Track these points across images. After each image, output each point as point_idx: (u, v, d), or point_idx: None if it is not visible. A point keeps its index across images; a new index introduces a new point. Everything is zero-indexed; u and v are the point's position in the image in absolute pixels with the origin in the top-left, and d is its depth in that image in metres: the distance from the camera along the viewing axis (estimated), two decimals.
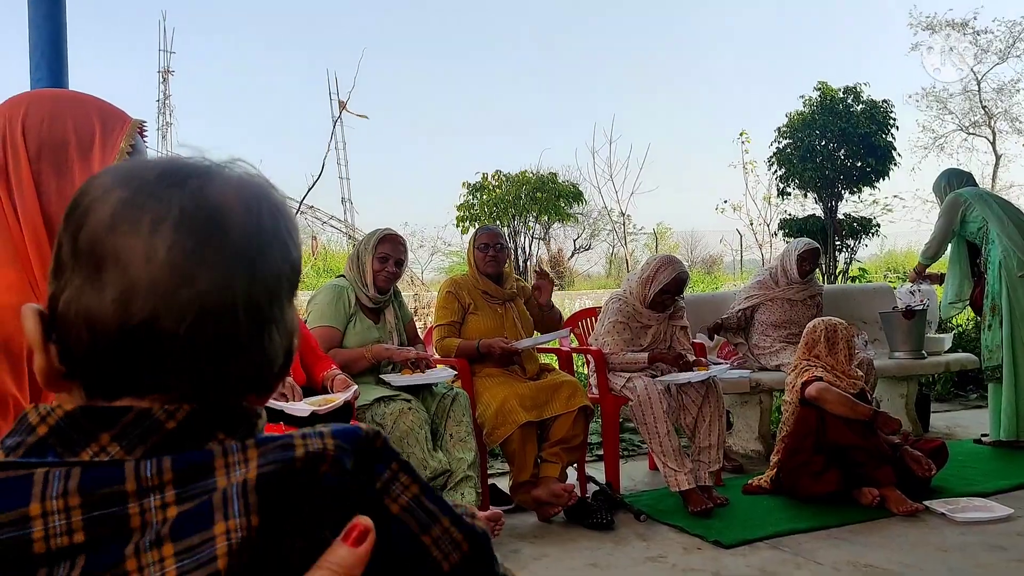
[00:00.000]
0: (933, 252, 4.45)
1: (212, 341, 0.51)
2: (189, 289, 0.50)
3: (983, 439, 4.20)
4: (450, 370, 3.01)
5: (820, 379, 3.29)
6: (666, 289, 3.50)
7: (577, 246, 25.82)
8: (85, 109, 1.13)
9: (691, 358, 3.52)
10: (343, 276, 3.09)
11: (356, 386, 2.56)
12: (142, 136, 1.18)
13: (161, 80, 16.85)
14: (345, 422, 2.45)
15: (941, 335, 4.79)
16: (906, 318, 4.41)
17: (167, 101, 16.75)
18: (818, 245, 4.45)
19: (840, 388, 3.28)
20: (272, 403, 2.29)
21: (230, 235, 0.52)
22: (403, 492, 0.53)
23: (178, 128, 16.83)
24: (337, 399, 2.39)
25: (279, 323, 0.56)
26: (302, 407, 2.29)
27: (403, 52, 40.94)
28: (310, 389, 2.54)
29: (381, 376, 2.88)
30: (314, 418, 2.29)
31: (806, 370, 3.37)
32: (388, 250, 3.02)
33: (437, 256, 24.32)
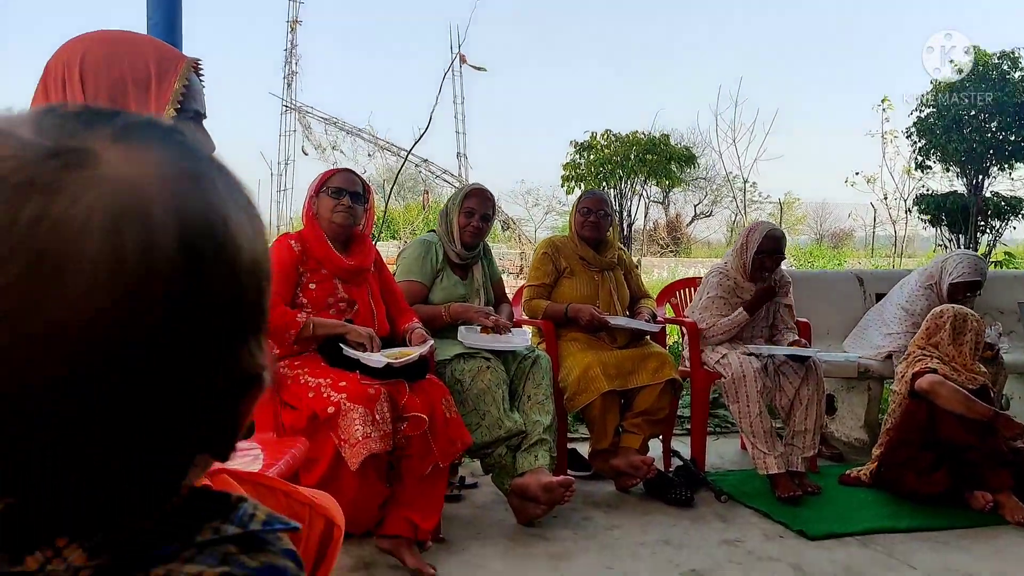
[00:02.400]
0: None
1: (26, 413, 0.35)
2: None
3: None
4: (526, 338, 2.94)
5: (934, 371, 3.02)
6: (762, 249, 3.31)
7: (697, 212, 25.12)
8: (140, 50, 1.12)
9: (792, 337, 3.33)
10: (434, 231, 3.09)
11: (432, 340, 2.55)
12: (198, 75, 1.17)
13: (289, 30, 17.41)
14: (421, 377, 2.46)
15: None
16: None
17: (294, 51, 17.31)
18: (980, 277, 3.67)
19: (957, 383, 3.01)
20: (348, 352, 2.33)
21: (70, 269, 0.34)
22: None
23: (303, 77, 17.39)
24: (412, 353, 2.39)
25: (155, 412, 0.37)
26: (378, 359, 2.31)
27: (522, 5, 40.55)
28: (390, 340, 2.56)
29: (460, 328, 2.86)
30: (389, 370, 2.30)
31: (919, 360, 3.10)
32: (474, 205, 2.97)
33: (551, 215, 24.34)
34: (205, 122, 1.20)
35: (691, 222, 24.55)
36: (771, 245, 3.32)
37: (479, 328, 2.84)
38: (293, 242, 2.47)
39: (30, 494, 0.36)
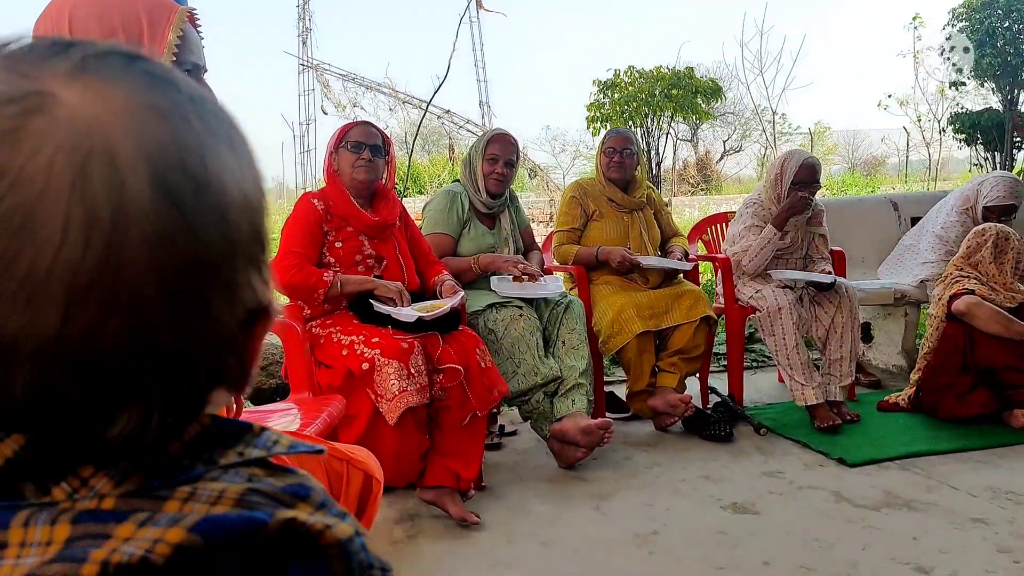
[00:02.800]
0: None
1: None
2: None
3: None
4: (559, 285, 2.93)
5: (972, 292, 2.97)
6: (798, 180, 3.23)
7: (726, 148, 24.62)
8: (131, 2, 1.07)
9: (824, 266, 3.29)
10: (458, 181, 3.07)
11: (463, 292, 2.56)
12: (193, 25, 1.12)
13: None
14: (454, 328, 2.47)
15: None
16: None
17: (306, 6, 17.06)
18: (1015, 201, 3.51)
19: (996, 302, 2.96)
20: (379, 307, 2.35)
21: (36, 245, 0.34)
22: None
23: (318, 34, 17.13)
24: (444, 305, 2.40)
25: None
26: (409, 312, 2.33)
27: None
28: (420, 294, 2.57)
29: (492, 277, 2.86)
30: (420, 324, 2.32)
31: (957, 281, 3.05)
32: (497, 151, 2.93)
33: (579, 160, 24.06)
34: (210, 78, 1.16)
35: (720, 159, 24.11)
36: (808, 175, 3.23)
37: (511, 277, 2.84)
38: (316, 201, 2.47)
39: (41, 431, 0.36)
